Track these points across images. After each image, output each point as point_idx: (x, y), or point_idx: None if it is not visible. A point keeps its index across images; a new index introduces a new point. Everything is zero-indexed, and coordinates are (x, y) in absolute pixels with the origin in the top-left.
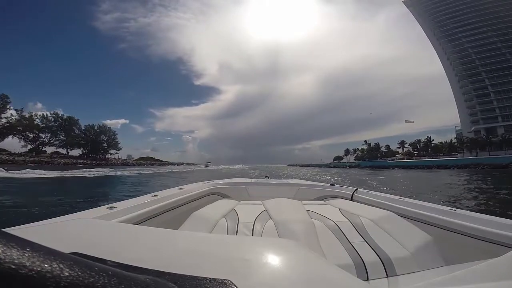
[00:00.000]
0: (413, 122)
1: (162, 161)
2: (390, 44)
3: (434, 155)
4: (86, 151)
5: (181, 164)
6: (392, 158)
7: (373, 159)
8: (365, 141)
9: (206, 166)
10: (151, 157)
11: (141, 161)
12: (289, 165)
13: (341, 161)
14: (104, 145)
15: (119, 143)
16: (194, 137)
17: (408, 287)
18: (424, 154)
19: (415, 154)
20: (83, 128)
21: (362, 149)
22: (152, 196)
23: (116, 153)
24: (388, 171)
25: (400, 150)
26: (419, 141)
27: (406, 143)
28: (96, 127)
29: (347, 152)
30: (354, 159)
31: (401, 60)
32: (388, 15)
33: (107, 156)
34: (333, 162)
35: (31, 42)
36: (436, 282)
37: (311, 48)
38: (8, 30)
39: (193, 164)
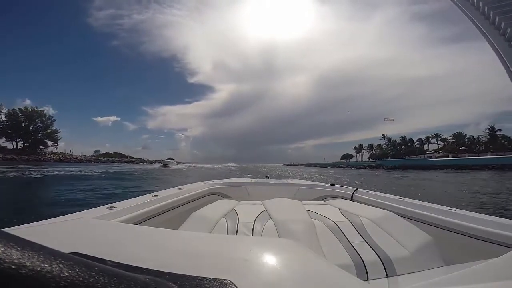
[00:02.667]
0: (393, 120)
1: (133, 158)
2: (385, 45)
3: (493, 151)
4: (26, 143)
5: (152, 162)
6: (429, 156)
7: (399, 157)
8: (383, 135)
9: (165, 166)
10: (120, 153)
11: (100, 157)
12: (285, 165)
13: (351, 160)
14: (38, 135)
15: (58, 132)
16: (187, 135)
17: (408, 287)
18: (477, 150)
19: (464, 150)
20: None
21: (379, 145)
22: (152, 196)
23: (53, 145)
24: (436, 173)
25: (427, 146)
26: (459, 133)
27: (440, 136)
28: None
29: (359, 149)
30: (369, 158)
31: (396, 61)
32: (383, 16)
33: (44, 150)
34: (341, 162)
35: (21, 39)
36: (436, 282)
37: (306, 48)
38: None
39: (158, 162)
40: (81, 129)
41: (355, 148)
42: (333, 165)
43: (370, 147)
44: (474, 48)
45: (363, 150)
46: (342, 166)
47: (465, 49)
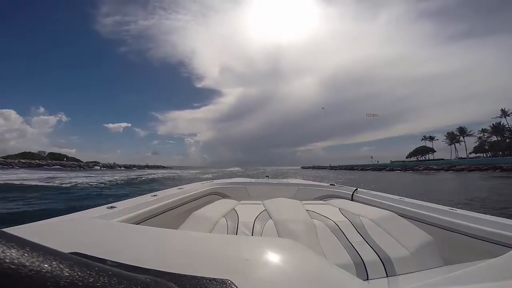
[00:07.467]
0: (377, 115)
1: (36, 162)
2: (393, 44)
3: None
4: None
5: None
6: None
7: None
8: (503, 110)
9: None
10: (31, 153)
11: None
12: (303, 167)
13: (426, 158)
14: None
15: None
16: (196, 140)
17: (408, 287)
18: None
19: None
20: None
21: (496, 125)
22: (152, 196)
23: None
24: None
25: None
26: None
27: None
28: None
29: (455, 135)
30: (473, 152)
31: (405, 60)
32: (389, 15)
33: None
34: (412, 161)
35: (33, 49)
36: (436, 282)
37: (312, 50)
38: (10, 36)
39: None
40: (93, 135)
41: (425, 138)
42: (405, 167)
43: (484, 131)
44: (483, 44)
45: (463, 139)
46: (435, 168)
47: (475, 45)
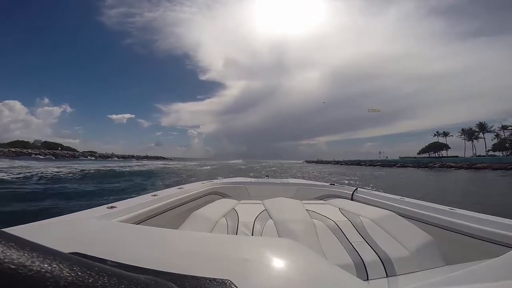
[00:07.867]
0: (379, 111)
1: (35, 150)
2: (400, 40)
3: None
4: None
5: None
6: None
7: None
8: None
9: None
10: (23, 141)
11: None
12: (305, 162)
13: (438, 155)
14: None
15: None
16: (199, 132)
17: (408, 287)
18: None
19: None
20: None
21: None
22: (152, 195)
23: None
24: None
25: None
26: None
27: None
28: None
29: (472, 132)
30: (491, 149)
31: (413, 56)
32: (399, 10)
33: None
34: (424, 158)
35: (37, 41)
36: (436, 282)
37: (318, 44)
38: (15, 30)
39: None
40: (97, 126)
41: (437, 134)
42: (418, 163)
43: (504, 128)
44: (491, 43)
45: (482, 136)
46: (453, 165)
47: (482, 45)
